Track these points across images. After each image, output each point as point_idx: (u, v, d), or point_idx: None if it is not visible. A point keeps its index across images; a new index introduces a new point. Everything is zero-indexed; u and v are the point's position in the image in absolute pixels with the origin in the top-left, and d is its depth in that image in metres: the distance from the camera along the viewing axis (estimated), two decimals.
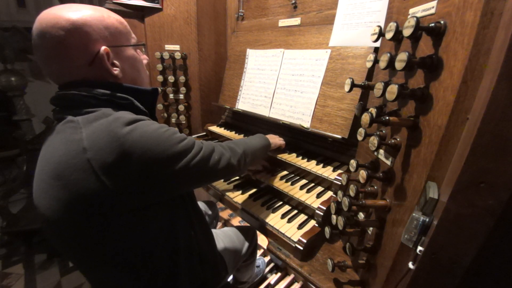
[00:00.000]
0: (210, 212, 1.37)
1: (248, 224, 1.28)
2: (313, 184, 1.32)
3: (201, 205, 1.35)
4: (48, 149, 0.63)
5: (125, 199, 0.60)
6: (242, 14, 1.86)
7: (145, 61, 0.83)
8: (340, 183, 1.13)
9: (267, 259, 1.38)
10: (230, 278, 1.45)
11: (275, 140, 1.31)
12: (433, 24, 0.59)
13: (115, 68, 0.69)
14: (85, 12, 0.65)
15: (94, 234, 0.61)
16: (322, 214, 1.11)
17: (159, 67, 1.86)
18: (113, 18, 0.71)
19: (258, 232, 1.27)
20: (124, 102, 0.68)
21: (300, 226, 1.17)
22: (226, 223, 1.41)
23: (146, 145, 0.59)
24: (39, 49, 0.63)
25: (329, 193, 1.25)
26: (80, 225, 0.60)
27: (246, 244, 1.18)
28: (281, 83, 1.53)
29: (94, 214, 0.59)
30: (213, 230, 1.20)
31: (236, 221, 1.35)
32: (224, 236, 1.12)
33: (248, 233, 1.21)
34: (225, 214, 1.42)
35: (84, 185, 0.56)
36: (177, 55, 1.83)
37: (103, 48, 0.65)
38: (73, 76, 0.66)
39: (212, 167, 0.73)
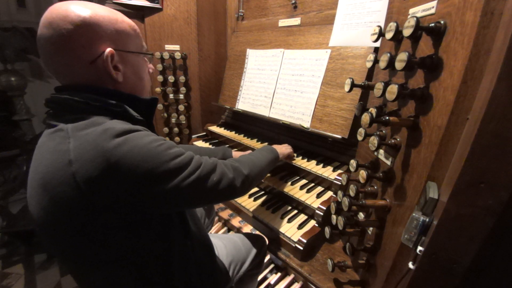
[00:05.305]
0: (207, 218, 1.32)
1: (257, 231, 1.26)
2: (313, 184, 1.32)
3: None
4: (38, 156, 0.62)
5: (113, 214, 0.58)
6: (242, 14, 1.86)
7: (150, 71, 0.82)
8: (340, 183, 1.13)
9: (267, 257, 1.29)
10: None
11: (283, 149, 1.24)
12: (433, 24, 0.59)
13: (116, 72, 0.68)
14: (98, 11, 0.65)
15: (82, 245, 0.60)
16: (322, 214, 1.11)
17: (159, 67, 1.86)
18: (126, 23, 0.71)
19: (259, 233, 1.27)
20: (118, 109, 0.65)
21: (300, 226, 1.17)
22: (226, 223, 1.40)
23: (135, 160, 0.56)
24: (43, 40, 0.62)
25: (329, 193, 1.25)
26: (67, 236, 0.59)
27: (253, 253, 1.11)
28: (281, 83, 1.53)
29: (80, 227, 0.58)
30: (218, 235, 1.17)
31: (236, 221, 1.35)
32: (229, 242, 1.08)
33: (257, 242, 1.14)
34: (225, 214, 1.41)
35: (69, 199, 0.55)
36: (177, 55, 1.83)
37: (108, 49, 0.65)
38: (73, 74, 0.65)
39: (210, 188, 0.68)
